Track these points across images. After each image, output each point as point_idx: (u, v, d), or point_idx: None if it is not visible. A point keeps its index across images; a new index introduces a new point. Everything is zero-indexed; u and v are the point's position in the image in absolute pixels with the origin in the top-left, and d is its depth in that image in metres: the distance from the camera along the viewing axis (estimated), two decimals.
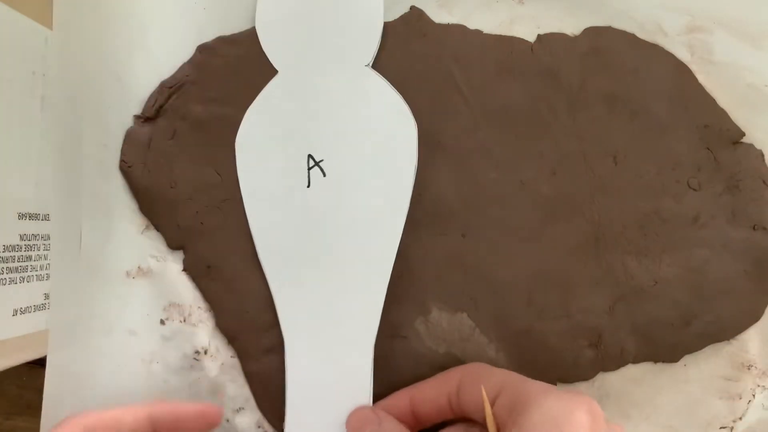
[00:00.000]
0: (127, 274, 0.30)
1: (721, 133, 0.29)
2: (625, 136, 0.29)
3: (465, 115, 0.29)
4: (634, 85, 0.29)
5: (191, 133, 0.30)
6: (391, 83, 0.29)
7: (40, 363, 0.29)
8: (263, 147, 0.29)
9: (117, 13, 0.30)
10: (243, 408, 0.30)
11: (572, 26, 0.30)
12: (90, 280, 0.30)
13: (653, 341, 0.29)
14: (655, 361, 0.29)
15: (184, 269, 0.30)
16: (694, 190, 0.29)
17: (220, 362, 0.30)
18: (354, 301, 0.28)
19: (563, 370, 0.29)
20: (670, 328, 0.29)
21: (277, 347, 0.29)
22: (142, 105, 0.30)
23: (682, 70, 0.29)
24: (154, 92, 0.30)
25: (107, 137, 0.30)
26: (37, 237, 0.28)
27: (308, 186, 0.29)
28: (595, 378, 0.29)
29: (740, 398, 0.29)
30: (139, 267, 0.30)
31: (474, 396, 0.25)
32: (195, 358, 0.30)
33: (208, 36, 0.30)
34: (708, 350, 0.29)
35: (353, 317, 0.28)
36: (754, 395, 0.29)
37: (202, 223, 0.30)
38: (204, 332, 0.30)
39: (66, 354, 0.29)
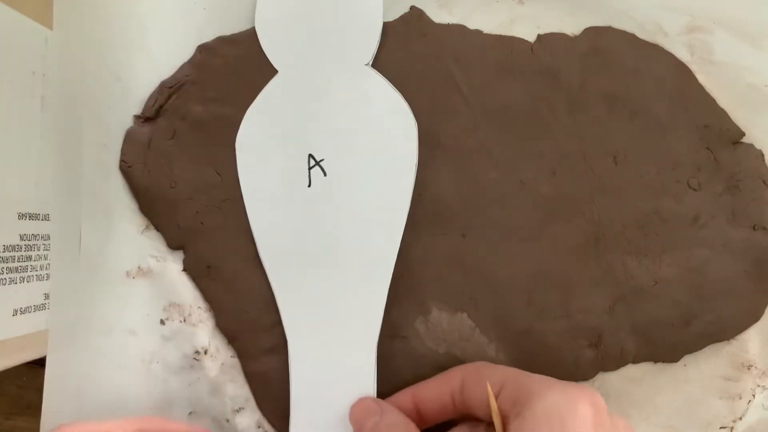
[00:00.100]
0: (127, 274, 0.30)
1: (721, 133, 0.29)
2: (625, 136, 0.29)
3: (465, 115, 0.29)
4: (634, 85, 0.29)
5: (191, 133, 0.30)
6: (391, 83, 0.29)
7: (40, 363, 0.29)
8: (263, 147, 0.29)
9: (117, 13, 0.30)
10: (243, 408, 0.30)
11: (572, 26, 0.30)
12: (90, 280, 0.30)
13: (653, 341, 0.29)
14: (655, 361, 0.29)
15: (184, 269, 0.30)
16: (694, 190, 0.29)
17: (220, 362, 0.30)
18: (356, 300, 0.29)
19: (563, 370, 0.29)
20: (670, 328, 0.29)
21: (277, 347, 0.29)
22: (142, 105, 0.30)
23: (682, 70, 0.29)
24: (154, 92, 0.30)
25: (107, 137, 0.30)
26: (37, 237, 0.28)
27: (309, 186, 0.29)
28: (595, 378, 0.29)
29: (740, 398, 0.29)
30: (139, 267, 0.30)
31: (477, 392, 0.25)
32: (195, 358, 0.30)
33: (208, 36, 0.30)
34: (708, 350, 0.29)
35: (355, 316, 0.29)
36: (754, 395, 0.29)
37: (202, 223, 0.30)
38: (204, 332, 0.30)
39: (66, 354, 0.29)
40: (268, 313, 0.29)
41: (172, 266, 0.30)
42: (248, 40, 0.30)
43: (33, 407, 0.34)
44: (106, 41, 0.30)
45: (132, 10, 0.30)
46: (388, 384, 0.29)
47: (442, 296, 0.29)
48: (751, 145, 0.29)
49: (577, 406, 0.22)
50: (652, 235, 0.29)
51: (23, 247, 0.27)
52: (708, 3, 0.29)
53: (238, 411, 0.30)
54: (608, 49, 0.29)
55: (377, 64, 0.29)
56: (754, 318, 0.29)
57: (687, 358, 0.29)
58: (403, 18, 0.30)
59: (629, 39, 0.30)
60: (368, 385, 0.28)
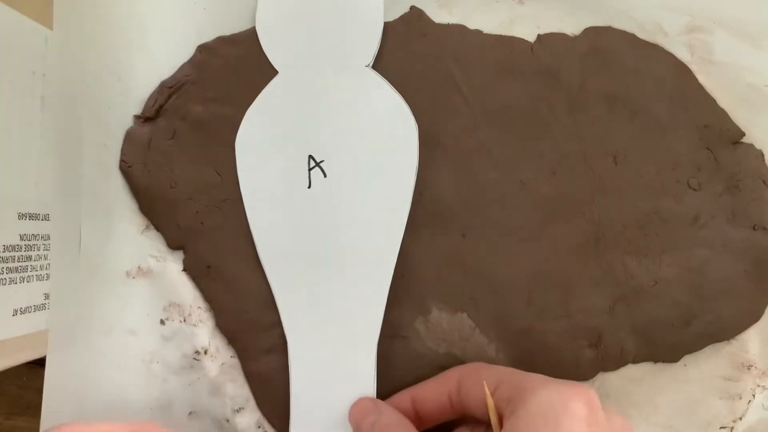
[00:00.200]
0: (127, 274, 0.30)
1: (721, 133, 0.29)
2: (625, 136, 0.29)
3: (465, 115, 0.29)
4: (634, 85, 0.29)
5: (191, 133, 0.30)
6: (391, 83, 0.29)
7: (40, 363, 0.29)
8: (263, 147, 0.29)
9: (117, 13, 0.30)
10: (243, 408, 0.30)
11: (572, 26, 0.30)
12: (90, 280, 0.30)
13: (653, 341, 0.29)
14: (655, 361, 0.29)
15: (184, 269, 0.30)
16: (694, 190, 0.29)
17: (220, 362, 0.30)
18: (356, 301, 0.29)
19: (563, 370, 0.29)
20: (670, 328, 0.29)
21: (277, 347, 0.29)
22: (142, 105, 0.30)
23: (682, 70, 0.29)
24: (154, 92, 0.30)
25: (107, 137, 0.30)
26: (37, 237, 0.28)
27: (309, 186, 0.29)
28: (595, 378, 0.29)
29: (740, 398, 0.29)
30: (139, 267, 0.30)
31: (474, 392, 0.25)
32: (195, 358, 0.30)
33: (208, 36, 0.30)
34: (708, 350, 0.29)
35: (356, 317, 0.29)
36: (754, 395, 0.29)
37: (202, 223, 0.30)
38: (204, 332, 0.30)
39: (66, 354, 0.29)
40: (268, 313, 0.29)
41: (172, 266, 0.30)
42: (248, 40, 0.30)
43: (33, 407, 0.34)
44: (106, 41, 0.30)
45: (132, 10, 0.30)
46: (388, 384, 0.29)
47: (442, 296, 0.29)
48: (751, 145, 0.29)
49: (571, 404, 0.22)
50: (652, 235, 0.29)
51: (23, 247, 0.27)
52: (708, 3, 0.29)
53: (238, 411, 0.30)
54: (608, 49, 0.29)
55: (377, 64, 0.29)
56: (754, 318, 0.29)
57: (687, 358, 0.29)
58: (403, 18, 0.30)
59: (629, 39, 0.30)
60: (368, 385, 0.28)
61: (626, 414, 0.29)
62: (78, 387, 0.29)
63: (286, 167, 0.29)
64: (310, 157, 0.29)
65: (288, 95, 0.29)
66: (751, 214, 0.29)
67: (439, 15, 0.30)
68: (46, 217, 0.29)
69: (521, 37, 0.30)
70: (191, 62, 0.30)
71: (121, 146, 0.30)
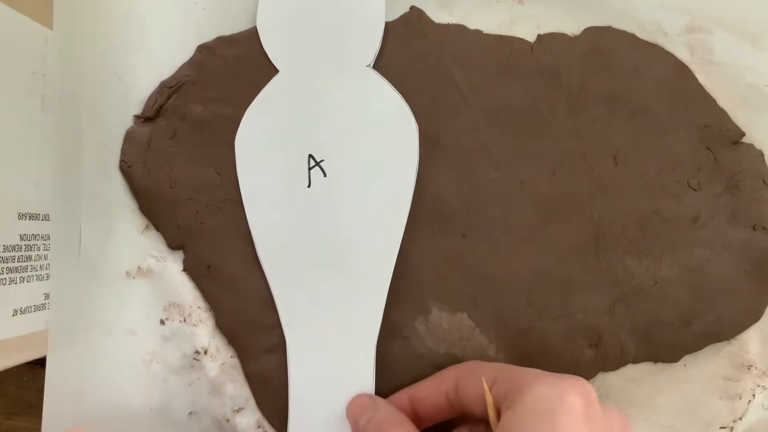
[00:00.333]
0: (127, 274, 0.30)
1: (721, 133, 0.29)
2: (625, 136, 0.29)
3: (465, 115, 0.29)
4: (634, 85, 0.29)
5: (191, 133, 0.30)
6: (391, 83, 0.29)
7: (40, 363, 0.29)
8: (263, 147, 0.29)
9: (117, 13, 0.30)
10: (243, 408, 0.30)
11: (572, 26, 0.30)
12: (90, 280, 0.30)
13: (653, 341, 0.29)
14: (655, 361, 0.29)
15: (184, 269, 0.30)
16: (694, 190, 0.29)
17: (220, 362, 0.30)
18: (356, 300, 0.29)
19: (563, 370, 0.29)
20: (670, 328, 0.29)
21: (277, 347, 0.29)
22: (142, 105, 0.30)
23: (682, 70, 0.29)
24: (154, 92, 0.30)
25: (107, 137, 0.30)
26: (37, 237, 0.28)
27: (309, 186, 0.29)
28: (595, 378, 0.29)
29: (740, 398, 0.29)
30: (139, 267, 0.30)
31: (471, 389, 0.25)
32: (195, 358, 0.30)
33: (208, 36, 0.30)
34: (708, 350, 0.29)
35: (355, 317, 0.28)
36: (754, 395, 0.29)
37: (202, 223, 0.30)
38: (204, 332, 0.30)
39: (66, 354, 0.29)
40: (268, 313, 0.29)
41: (172, 266, 0.30)
42: (248, 40, 0.30)
43: (33, 407, 0.34)
44: (106, 41, 0.30)
45: (132, 10, 0.30)
46: (387, 384, 0.29)
47: (442, 296, 0.29)
48: (751, 145, 0.29)
49: (567, 397, 0.22)
50: (652, 235, 0.29)
51: (23, 247, 0.27)
52: (708, 3, 0.29)
53: (238, 411, 0.30)
54: (608, 49, 0.29)
55: (377, 63, 0.29)
56: (754, 318, 0.29)
57: (687, 358, 0.29)
58: (403, 18, 0.30)
59: (629, 39, 0.30)
60: (367, 385, 0.28)
61: (626, 414, 0.29)
62: (78, 387, 0.29)
63: (286, 167, 0.29)
64: (310, 156, 0.29)
65: (288, 95, 0.29)
66: (751, 214, 0.29)
67: (439, 15, 0.30)
68: (46, 217, 0.29)
69: (521, 37, 0.30)
70: (191, 62, 0.30)
71: (121, 146, 0.30)
